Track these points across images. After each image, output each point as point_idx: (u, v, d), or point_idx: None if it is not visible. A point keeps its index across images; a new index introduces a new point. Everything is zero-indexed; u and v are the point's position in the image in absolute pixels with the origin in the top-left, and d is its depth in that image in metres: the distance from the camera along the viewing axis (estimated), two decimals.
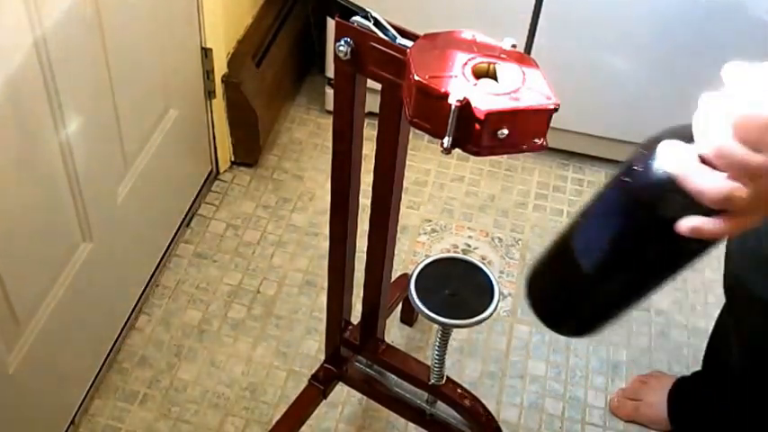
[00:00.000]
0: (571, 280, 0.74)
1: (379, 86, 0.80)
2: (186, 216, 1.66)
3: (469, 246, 1.69)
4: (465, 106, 0.64)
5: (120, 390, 1.40)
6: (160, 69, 1.38)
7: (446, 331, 1.09)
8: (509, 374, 1.48)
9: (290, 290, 1.58)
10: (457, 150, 0.69)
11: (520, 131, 0.65)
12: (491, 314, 1.06)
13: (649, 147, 0.59)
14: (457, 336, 1.51)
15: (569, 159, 1.88)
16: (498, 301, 1.08)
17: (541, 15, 1.62)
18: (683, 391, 1.37)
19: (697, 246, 0.61)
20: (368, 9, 0.77)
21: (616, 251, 0.68)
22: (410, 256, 1.66)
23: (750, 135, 0.50)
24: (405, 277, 1.47)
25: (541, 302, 0.79)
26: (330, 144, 0.91)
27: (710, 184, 0.53)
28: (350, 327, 1.20)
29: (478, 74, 0.67)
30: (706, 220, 0.55)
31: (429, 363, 1.16)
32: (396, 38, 0.75)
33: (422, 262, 1.14)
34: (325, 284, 1.13)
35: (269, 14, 1.81)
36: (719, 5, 1.54)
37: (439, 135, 0.67)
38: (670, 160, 0.55)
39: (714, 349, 1.26)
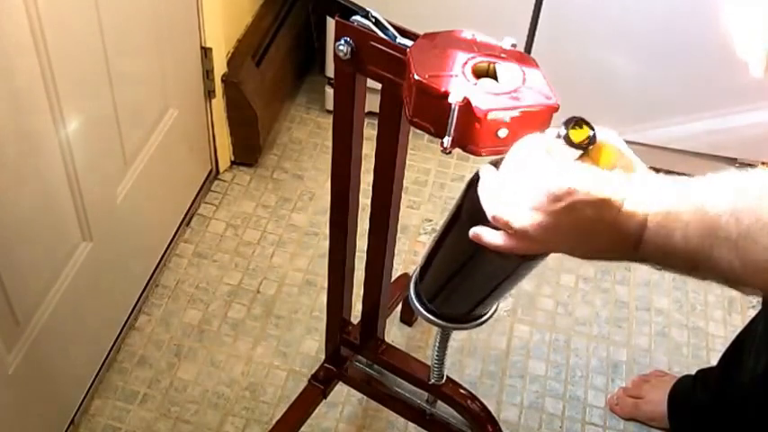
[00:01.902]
0: (437, 270, 0.90)
1: (379, 86, 0.80)
2: (186, 216, 1.66)
3: None
4: (465, 106, 0.64)
5: (120, 389, 1.40)
6: (160, 69, 1.38)
7: (446, 332, 1.09)
8: (509, 374, 1.48)
9: (290, 289, 1.58)
10: (457, 150, 0.68)
11: (520, 131, 0.65)
12: (492, 315, 1.05)
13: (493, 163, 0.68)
14: (457, 336, 1.51)
15: None
16: (499, 302, 1.07)
17: (541, 15, 1.62)
18: (684, 391, 1.37)
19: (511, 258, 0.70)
20: (368, 8, 0.77)
21: (455, 245, 0.79)
22: (410, 255, 1.66)
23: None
24: (405, 277, 1.47)
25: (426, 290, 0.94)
26: (330, 143, 0.91)
27: (493, 206, 0.63)
28: (350, 326, 1.20)
29: (478, 73, 0.67)
30: (486, 231, 0.65)
31: (429, 362, 1.15)
32: (396, 37, 0.75)
33: None
34: (325, 284, 1.13)
35: (269, 14, 1.81)
36: (720, 4, 1.54)
37: (439, 135, 0.67)
38: (481, 182, 0.65)
39: (734, 356, 1.25)
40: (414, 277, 0.97)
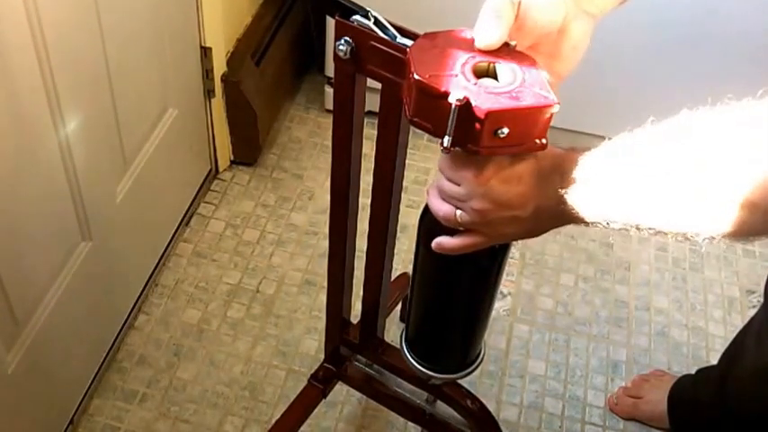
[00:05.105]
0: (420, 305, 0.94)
1: (379, 86, 0.80)
2: (185, 215, 1.66)
3: None
4: (465, 105, 0.64)
5: (120, 389, 1.40)
6: (159, 68, 1.38)
7: None
8: (509, 374, 1.48)
9: (290, 289, 1.58)
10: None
11: (520, 131, 0.65)
12: (477, 361, 1.04)
13: None
14: None
15: None
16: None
17: None
18: (684, 390, 1.37)
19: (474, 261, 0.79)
20: (368, 8, 0.77)
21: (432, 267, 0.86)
22: (410, 255, 1.66)
23: (449, 175, 0.70)
24: (405, 276, 1.47)
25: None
26: (329, 143, 0.91)
27: (437, 208, 0.72)
28: (349, 326, 1.20)
29: (479, 73, 0.67)
30: (446, 238, 0.74)
31: None
32: (396, 37, 0.74)
33: None
34: (325, 284, 1.13)
35: (268, 13, 1.81)
36: (718, 3, 1.54)
37: (439, 134, 0.66)
38: (428, 196, 0.74)
39: (735, 354, 1.25)
40: (401, 333, 1.00)
